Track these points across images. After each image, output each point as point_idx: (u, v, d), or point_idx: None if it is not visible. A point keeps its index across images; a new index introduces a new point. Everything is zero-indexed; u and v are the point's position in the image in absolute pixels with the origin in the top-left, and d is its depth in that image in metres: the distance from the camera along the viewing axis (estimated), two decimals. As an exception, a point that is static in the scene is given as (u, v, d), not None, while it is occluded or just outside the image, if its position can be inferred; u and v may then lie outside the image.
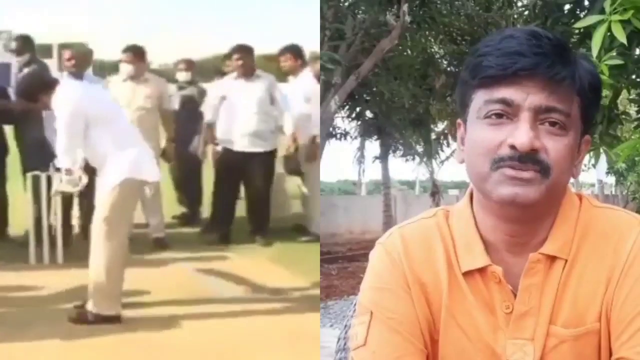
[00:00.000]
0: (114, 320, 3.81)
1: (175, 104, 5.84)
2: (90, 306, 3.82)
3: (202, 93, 6.05)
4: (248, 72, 5.53)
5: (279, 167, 5.84)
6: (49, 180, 4.73)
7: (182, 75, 6.14)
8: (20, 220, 5.20)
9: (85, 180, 3.95)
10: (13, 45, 5.43)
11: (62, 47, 5.40)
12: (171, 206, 6.05)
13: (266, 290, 4.49)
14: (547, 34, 1.11)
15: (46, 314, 3.98)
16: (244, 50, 5.58)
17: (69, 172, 3.87)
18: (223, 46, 6.10)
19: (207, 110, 5.73)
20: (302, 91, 5.63)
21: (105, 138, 3.80)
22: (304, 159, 5.74)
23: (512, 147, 1.06)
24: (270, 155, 5.63)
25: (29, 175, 4.96)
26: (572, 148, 1.10)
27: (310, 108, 5.68)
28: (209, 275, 4.79)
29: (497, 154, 1.07)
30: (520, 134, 1.06)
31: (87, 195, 4.55)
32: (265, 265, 4.99)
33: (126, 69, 5.42)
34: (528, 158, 1.06)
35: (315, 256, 5.22)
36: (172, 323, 3.89)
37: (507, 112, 1.08)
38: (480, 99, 1.11)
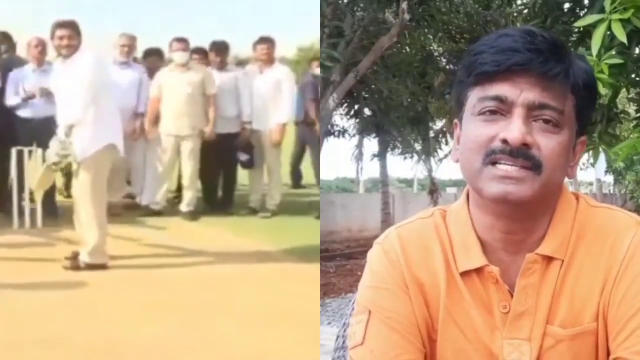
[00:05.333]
0: (102, 267, 4.46)
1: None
2: (83, 256, 4.43)
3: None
4: (222, 66, 6.35)
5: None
6: (30, 155, 5.52)
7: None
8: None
9: (74, 145, 4.28)
10: None
11: (121, 35, 6.16)
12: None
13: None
14: (543, 32, 1.11)
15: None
16: (221, 47, 6.43)
17: (68, 131, 4.28)
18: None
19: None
20: (272, 81, 6.18)
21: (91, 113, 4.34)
22: (264, 145, 6.26)
23: (504, 141, 1.06)
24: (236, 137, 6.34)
25: (14, 150, 5.50)
26: (565, 146, 1.10)
27: (281, 96, 6.18)
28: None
29: (489, 148, 1.08)
30: (513, 129, 1.06)
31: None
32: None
33: (179, 57, 6.07)
34: (520, 153, 1.06)
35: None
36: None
37: (500, 109, 1.08)
38: (474, 96, 1.11)
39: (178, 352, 3.26)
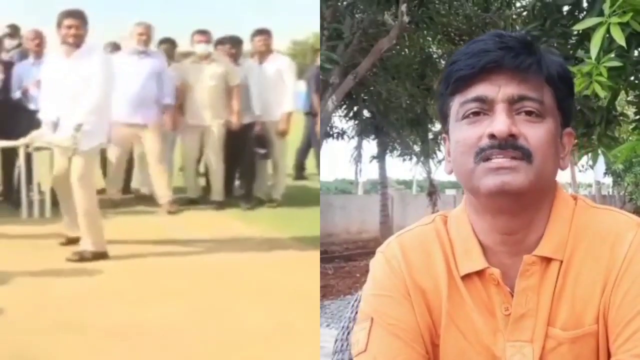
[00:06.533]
0: (104, 256, 4.54)
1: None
2: (87, 246, 4.50)
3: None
4: (235, 59, 6.42)
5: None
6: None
7: (202, 48, 6.30)
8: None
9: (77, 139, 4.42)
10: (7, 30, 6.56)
11: (138, 24, 6.16)
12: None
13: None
14: (511, 33, 1.16)
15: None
16: (234, 41, 6.52)
17: (78, 127, 4.36)
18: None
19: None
20: (273, 71, 6.26)
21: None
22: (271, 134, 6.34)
23: (492, 136, 1.09)
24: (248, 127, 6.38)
25: (22, 142, 5.62)
26: (552, 135, 1.12)
27: (283, 86, 6.27)
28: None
29: (478, 146, 1.10)
30: (498, 123, 1.09)
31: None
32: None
33: (202, 49, 6.18)
34: (508, 145, 1.08)
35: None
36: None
37: (483, 109, 1.11)
38: (456, 104, 1.14)
39: (189, 334, 3.43)
